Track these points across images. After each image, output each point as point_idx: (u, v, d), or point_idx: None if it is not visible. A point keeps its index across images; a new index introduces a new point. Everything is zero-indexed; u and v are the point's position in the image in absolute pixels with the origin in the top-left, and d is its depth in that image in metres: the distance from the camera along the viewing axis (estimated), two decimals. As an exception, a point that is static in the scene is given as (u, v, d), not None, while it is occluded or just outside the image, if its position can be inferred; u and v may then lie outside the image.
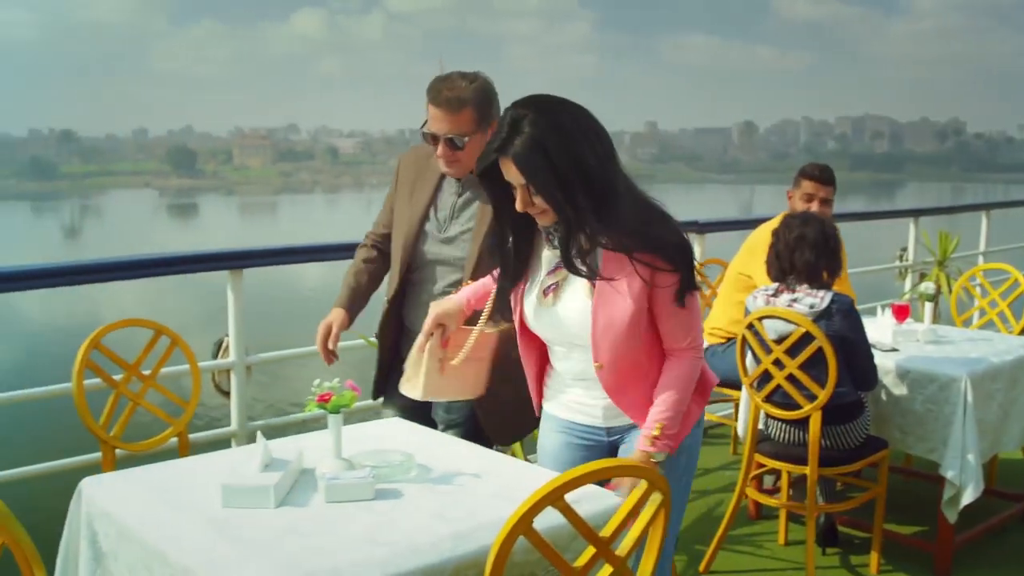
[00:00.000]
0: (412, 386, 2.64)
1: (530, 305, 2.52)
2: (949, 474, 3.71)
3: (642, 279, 2.36)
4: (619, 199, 2.33)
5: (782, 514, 4.16)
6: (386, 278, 3.27)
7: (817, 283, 3.60)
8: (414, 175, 3.17)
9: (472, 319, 2.70)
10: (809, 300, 3.56)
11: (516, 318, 2.57)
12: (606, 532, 1.79)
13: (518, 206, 2.36)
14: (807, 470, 3.63)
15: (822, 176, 4.51)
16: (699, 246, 5.79)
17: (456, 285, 3.00)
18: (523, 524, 1.70)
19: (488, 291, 2.68)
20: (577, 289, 2.44)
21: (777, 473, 4.40)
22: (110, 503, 2.27)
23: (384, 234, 3.27)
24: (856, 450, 3.71)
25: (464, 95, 2.90)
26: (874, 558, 3.87)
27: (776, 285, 3.68)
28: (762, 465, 3.93)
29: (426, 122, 2.97)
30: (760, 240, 4.43)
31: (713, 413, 5.37)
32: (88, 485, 2.37)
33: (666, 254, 2.36)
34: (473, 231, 3.03)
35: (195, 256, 4.14)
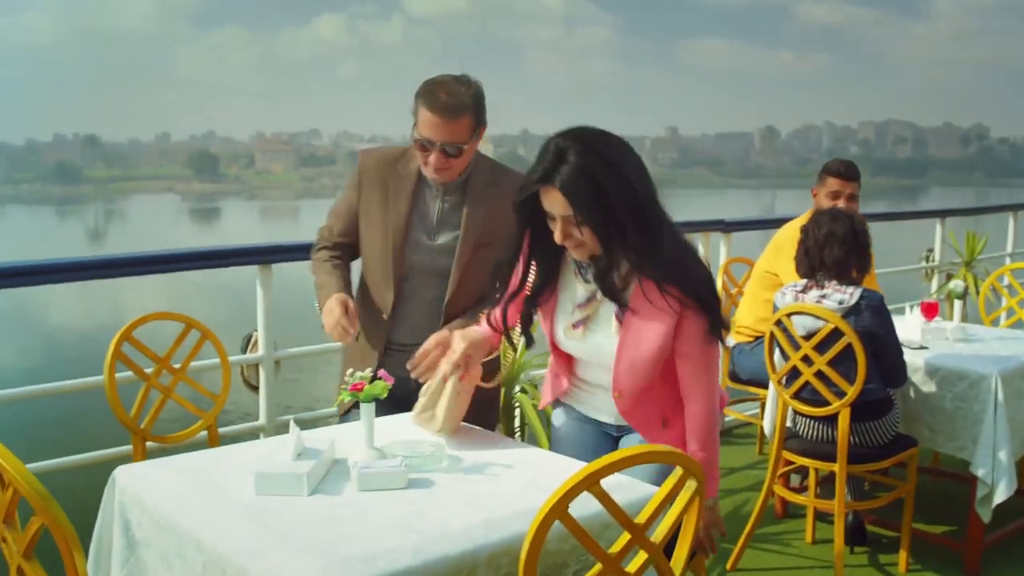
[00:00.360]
0: (428, 418, 2.57)
1: (560, 331, 2.60)
2: (980, 472, 3.68)
3: (673, 312, 2.40)
4: (662, 233, 2.36)
5: (809, 512, 4.13)
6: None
7: (846, 280, 3.58)
8: (384, 180, 3.02)
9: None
10: (838, 296, 3.54)
11: (548, 337, 2.65)
12: (641, 519, 1.79)
13: (557, 238, 2.37)
14: (835, 467, 3.61)
15: (847, 172, 4.49)
16: (724, 245, 5.77)
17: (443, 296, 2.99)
18: (559, 509, 1.70)
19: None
20: (605, 325, 2.51)
21: (804, 472, 4.38)
22: (144, 491, 2.28)
23: (340, 242, 3.12)
24: (885, 447, 3.68)
25: (464, 101, 2.81)
26: (903, 556, 3.84)
27: (805, 281, 3.67)
28: (790, 462, 3.91)
29: (416, 126, 2.85)
30: (787, 237, 4.42)
31: (740, 412, 5.35)
32: (122, 474, 2.38)
33: (699, 291, 2.41)
34: (461, 237, 2.97)
35: (226, 251, 4.15)
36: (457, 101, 2.79)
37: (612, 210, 2.28)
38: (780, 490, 3.97)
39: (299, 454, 2.28)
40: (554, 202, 2.32)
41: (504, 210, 2.54)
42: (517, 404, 4.12)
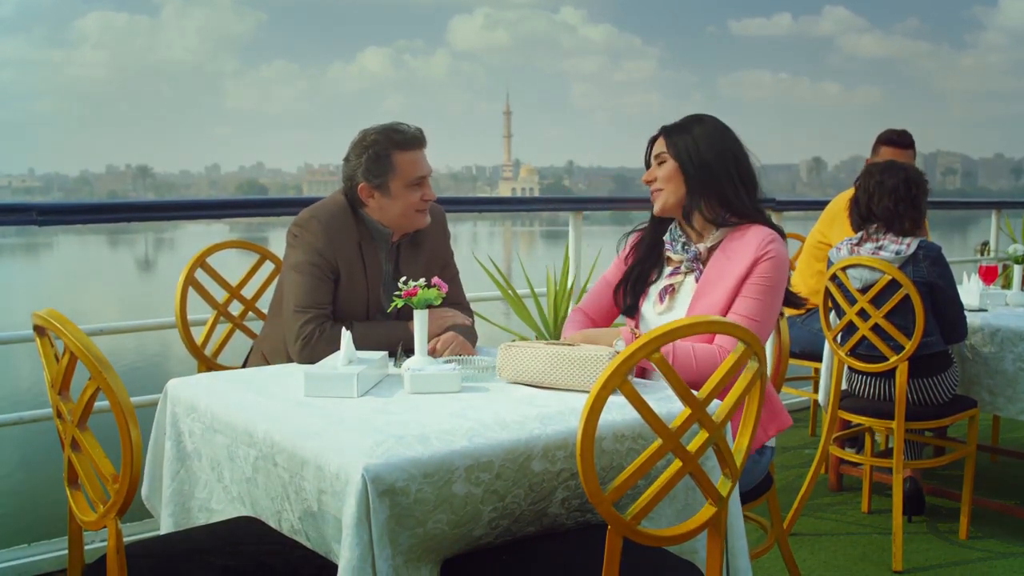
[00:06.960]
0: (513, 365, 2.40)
1: (647, 313, 2.76)
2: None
3: (744, 272, 2.57)
4: (742, 200, 2.66)
5: (866, 481, 4.02)
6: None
7: (899, 231, 3.50)
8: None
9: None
10: (895, 247, 3.47)
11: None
12: (701, 395, 1.74)
13: (644, 177, 2.74)
14: (893, 424, 3.51)
15: (901, 140, 4.43)
16: (776, 222, 5.72)
17: None
18: (617, 376, 1.66)
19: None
20: (686, 295, 2.66)
21: (859, 444, 4.28)
22: (196, 397, 2.28)
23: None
24: (943, 406, 3.58)
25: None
26: (963, 524, 3.71)
27: (860, 234, 3.60)
28: (846, 425, 3.81)
29: (392, 174, 2.72)
30: (839, 207, 4.36)
31: (793, 388, 5.27)
32: (174, 385, 2.39)
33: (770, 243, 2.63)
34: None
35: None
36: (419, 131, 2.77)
37: (700, 158, 2.61)
38: (836, 451, 3.87)
39: (350, 361, 2.27)
40: (655, 146, 2.70)
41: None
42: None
